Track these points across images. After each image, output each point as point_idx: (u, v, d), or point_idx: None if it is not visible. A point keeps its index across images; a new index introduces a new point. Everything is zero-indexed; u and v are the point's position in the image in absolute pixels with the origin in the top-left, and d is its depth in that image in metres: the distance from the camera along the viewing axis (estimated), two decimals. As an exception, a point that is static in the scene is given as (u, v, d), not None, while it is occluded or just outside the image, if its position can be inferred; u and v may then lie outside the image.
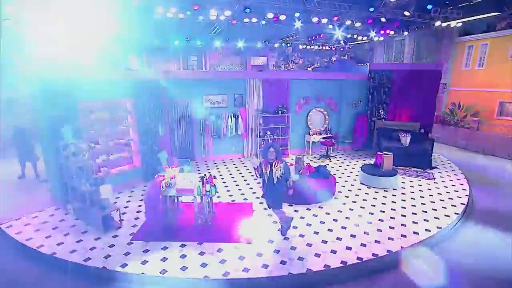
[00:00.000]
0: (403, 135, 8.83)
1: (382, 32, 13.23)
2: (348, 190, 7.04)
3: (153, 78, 7.45)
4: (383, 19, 10.91)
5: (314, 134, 10.08)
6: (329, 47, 18.93)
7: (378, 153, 7.53)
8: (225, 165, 9.00)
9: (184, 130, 9.10)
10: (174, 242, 4.86)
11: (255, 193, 6.87)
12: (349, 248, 4.67)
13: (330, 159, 9.52)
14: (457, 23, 11.63)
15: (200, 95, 8.99)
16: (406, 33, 13.80)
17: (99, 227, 5.16)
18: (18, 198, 6.62)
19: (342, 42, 15.52)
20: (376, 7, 9.81)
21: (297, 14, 10.31)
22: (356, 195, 6.79)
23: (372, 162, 8.88)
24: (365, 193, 6.86)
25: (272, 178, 4.71)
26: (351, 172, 8.36)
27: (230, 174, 8.20)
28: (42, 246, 4.74)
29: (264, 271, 4.14)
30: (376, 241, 4.87)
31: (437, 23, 11.63)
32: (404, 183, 7.46)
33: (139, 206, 6.20)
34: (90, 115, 6.52)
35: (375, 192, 6.93)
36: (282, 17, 10.33)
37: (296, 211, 5.96)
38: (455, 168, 8.69)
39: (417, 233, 5.10)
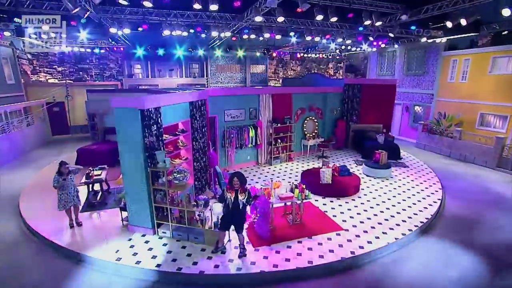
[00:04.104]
0: (379, 135, 11.67)
1: (374, 43, 15.46)
2: (364, 182, 9.20)
3: (200, 97, 7.83)
4: (370, 38, 13.16)
5: (309, 139, 11.99)
6: (325, 55, 20.95)
7: (375, 151, 9.95)
8: (246, 171, 9.92)
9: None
10: (291, 240, 5.86)
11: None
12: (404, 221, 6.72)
13: (327, 159, 11.58)
14: (441, 40, 13.16)
15: (222, 110, 9.64)
16: (396, 46, 15.67)
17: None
18: (92, 234, 6.15)
19: (337, 51, 17.62)
20: (364, 27, 11.30)
21: (291, 33, 11.92)
22: (372, 184, 9.00)
23: (358, 158, 11.50)
24: (377, 182, 9.16)
25: (238, 203, 5.13)
26: (352, 168, 10.63)
27: (255, 178, 9.26)
28: (181, 269, 5.01)
29: (371, 246, 5.72)
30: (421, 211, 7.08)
31: (423, 39, 13.37)
32: (393, 172, 10.13)
33: (220, 219, 6.73)
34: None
35: (382, 181, 9.30)
36: (278, 37, 11.80)
37: (348, 202, 7.70)
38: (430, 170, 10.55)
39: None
